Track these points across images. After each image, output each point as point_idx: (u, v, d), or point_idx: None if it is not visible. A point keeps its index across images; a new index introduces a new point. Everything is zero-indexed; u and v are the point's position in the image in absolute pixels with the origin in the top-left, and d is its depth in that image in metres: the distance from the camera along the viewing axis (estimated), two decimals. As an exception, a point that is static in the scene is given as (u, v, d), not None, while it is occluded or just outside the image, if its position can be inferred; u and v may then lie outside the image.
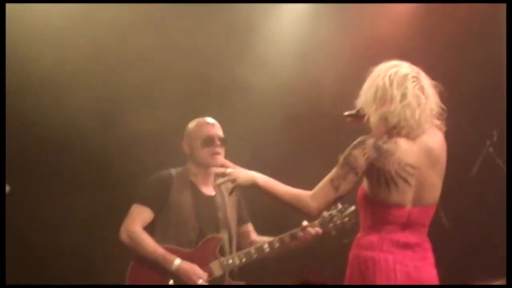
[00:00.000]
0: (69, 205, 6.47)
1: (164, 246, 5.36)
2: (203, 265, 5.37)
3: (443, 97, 4.15)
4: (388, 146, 4.05)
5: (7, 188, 5.47)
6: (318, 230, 5.32)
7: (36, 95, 6.32)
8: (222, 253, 5.46)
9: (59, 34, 6.34)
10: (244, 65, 6.68)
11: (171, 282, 5.34)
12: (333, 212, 5.28)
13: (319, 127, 6.45)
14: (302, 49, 6.73)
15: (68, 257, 6.46)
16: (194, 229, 5.42)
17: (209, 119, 5.61)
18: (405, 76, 4.07)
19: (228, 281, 5.46)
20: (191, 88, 6.56)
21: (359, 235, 4.18)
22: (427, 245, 4.25)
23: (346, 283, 4.17)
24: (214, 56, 6.64)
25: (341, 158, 4.12)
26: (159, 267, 5.31)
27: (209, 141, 5.48)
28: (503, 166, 5.97)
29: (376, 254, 4.12)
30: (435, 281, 4.22)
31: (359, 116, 4.16)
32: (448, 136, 6.55)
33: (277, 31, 6.75)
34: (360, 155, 4.06)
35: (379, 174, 4.04)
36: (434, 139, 4.20)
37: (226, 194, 5.58)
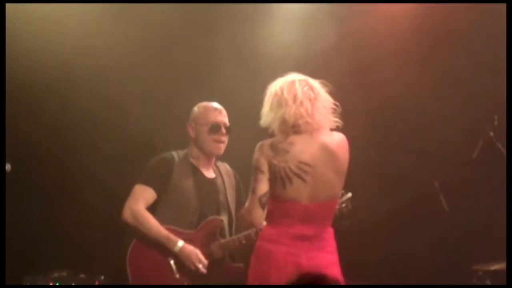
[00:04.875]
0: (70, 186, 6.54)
1: (165, 227, 5.46)
2: (204, 247, 5.49)
3: (333, 94, 4.64)
4: (283, 145, 4.53)
5: (8, 166, 5.52)
6: None
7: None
8: (223, 235, 5.56)
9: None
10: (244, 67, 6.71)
11: (171, 262, 5.43)
12: None
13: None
14: (301, 51, 6.70)
15: (69, 237, 6.53)
16: (195, 211, 5.52)
17: (216, 105, 5.67)
18: (292, 82, 4.60)
19: (228, 263, 5.54)
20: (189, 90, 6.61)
21: (263, 227, 4.66)
22: (327, 235, 4.68)
23: (249, 272, 4.66)
24: (215, 58, 6.68)
25: None
26: (161, 247, 5.41)
27: (215, 128, 5.57)
28: (504, 150, 5.99)
29: (273, 246, 4.56)
30: (329, 267, 4.59)
31: None
32: (449, 121, 6.60)
33: (276, 32, 6.74)
34: (260, 156, 4.55)
35: (276, 172, 4.51)
36: (332, 138, 4.62)
37: (226, 177, 5.72)
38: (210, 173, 5.66)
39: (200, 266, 5.39)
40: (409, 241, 6.61)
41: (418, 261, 6.64)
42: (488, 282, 5.97)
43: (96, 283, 6.20)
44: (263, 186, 4.53)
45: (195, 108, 5.66)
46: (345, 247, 6.26)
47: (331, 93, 4.63)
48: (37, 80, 6.51)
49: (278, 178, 4.50)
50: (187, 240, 5.42)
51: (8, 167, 5.52)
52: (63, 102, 6.60)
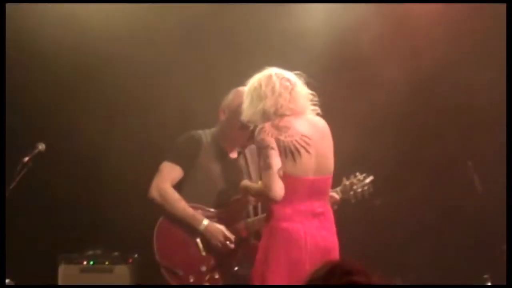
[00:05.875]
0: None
1: (190, 205, 5.52)
2: (229, 226, 5.52)
3: (310, 85, 4.88)
4: (283, 123, 4.77)
5: (42, 146, 5.63)
6: (336, 196, 5.24)
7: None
8: (248, 215, 5.53)
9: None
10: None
11: (198, 240, 5.49)
12: (354, 180, 5.31)
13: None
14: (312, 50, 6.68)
15: (104, 215, 6.65)
16: (220, 192, 5.56)
17: None
18: (269, 76, 4.86)
19: (253, 242, 5.55)
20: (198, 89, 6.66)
21: (275, 207, 4.77)
22: (330, 215, 4.89)
23: (264, 253, 4.80)
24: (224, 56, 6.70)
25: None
26: (187, 225, 5.46)
27: (246, 127, 5.32)
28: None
29: (290, 224, 4.74)
30: (337, 249, 4.84)
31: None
32: (484, 99, 6.53)
33: (289, 31, 6.73)
34: (265, 135, 4.76)
35: (285, 147, 4.73)
36: (317, 120, 4.87)
37: (249, 157, 5.70)
38: (234, 153, 5.67)
39: (227, 242, 5.42)
40: (441, 221, 6.60)
41: (449, 241, 6.63)
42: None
43: (130, 260, 6.32)
44: (278, 161, 4.72)
45: (231, 95, 5.56)
46: (373, 225, 6.33)
47: (307, 84, 4.88)
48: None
49: (288, 153, 4.72)
50: (213, 218, 5.47)
51: (42, 146, 5.65)
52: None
